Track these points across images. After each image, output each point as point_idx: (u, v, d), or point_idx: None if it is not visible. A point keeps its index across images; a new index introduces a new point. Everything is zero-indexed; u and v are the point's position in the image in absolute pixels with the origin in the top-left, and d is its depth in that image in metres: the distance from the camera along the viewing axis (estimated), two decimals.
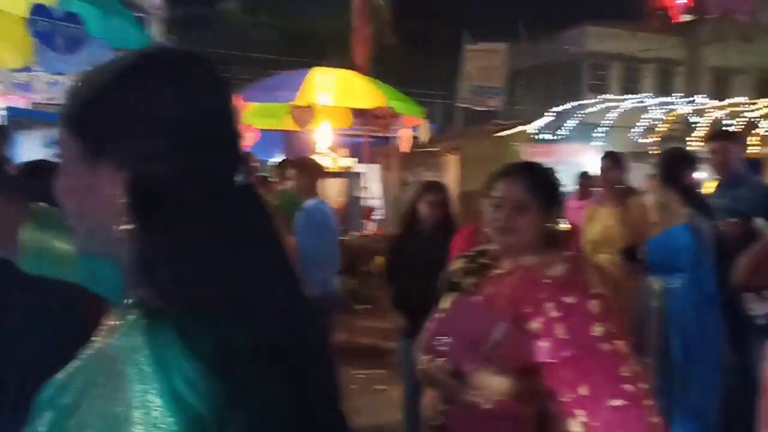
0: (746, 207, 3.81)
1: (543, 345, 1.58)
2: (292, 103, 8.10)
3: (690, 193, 3.82)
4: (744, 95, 21.82)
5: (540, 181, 1.81)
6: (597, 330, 1.57)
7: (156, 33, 13.46)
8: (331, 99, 8.24)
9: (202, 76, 0.80)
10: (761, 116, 18.65)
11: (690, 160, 4.15)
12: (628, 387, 1.51)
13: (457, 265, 1.97)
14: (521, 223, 1.74)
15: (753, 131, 17.17)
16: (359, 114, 8.75)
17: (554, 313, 1.59)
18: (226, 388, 0.66)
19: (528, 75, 26.58)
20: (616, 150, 5.87)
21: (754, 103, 19.19)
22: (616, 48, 27.85)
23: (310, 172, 4.95)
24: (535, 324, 1.61)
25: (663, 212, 3.75)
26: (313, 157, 6.88)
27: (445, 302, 1.88)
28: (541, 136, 16.13)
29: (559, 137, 16.78)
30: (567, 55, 27.64)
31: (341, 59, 10.79)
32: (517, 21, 23.87)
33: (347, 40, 11.24)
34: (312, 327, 0.81)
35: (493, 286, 1.78)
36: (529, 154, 12.98)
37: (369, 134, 9.36)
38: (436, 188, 4.21)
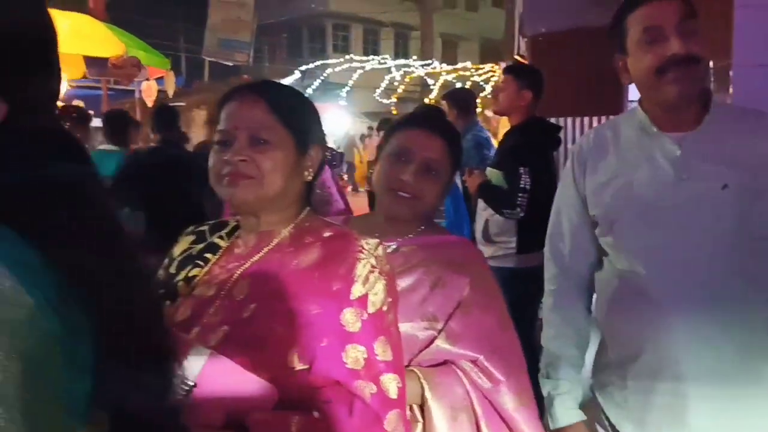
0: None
1: None
2: None
3: None
4: (469, 60, 23.91)
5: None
6: None
7: None
8: (61, 45, 7.42)
9: None
10: (484, 80, 20.65)
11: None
12: None
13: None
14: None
15: (481, 94, 18.97)
16: (95, 63, 7.99)
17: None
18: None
19: (274, 31, 26.39)
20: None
21: (480, 68, 21.17)
22: (357, 9, 28.76)
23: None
24: None
25: None
26: None
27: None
28: None
29: (307, 96, 16.96)
30: (311, 12, 27.89)
31: (74, 2, 9.78)
32: None
33: None
34: None
35: None
36: None
37: (108, 86, 8.62)
38: None
